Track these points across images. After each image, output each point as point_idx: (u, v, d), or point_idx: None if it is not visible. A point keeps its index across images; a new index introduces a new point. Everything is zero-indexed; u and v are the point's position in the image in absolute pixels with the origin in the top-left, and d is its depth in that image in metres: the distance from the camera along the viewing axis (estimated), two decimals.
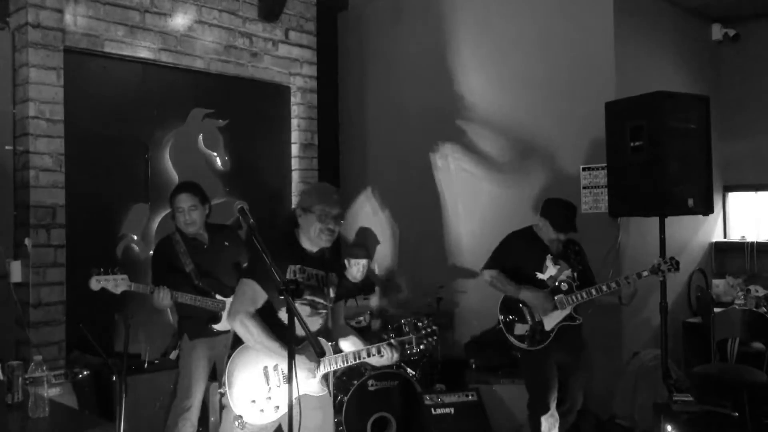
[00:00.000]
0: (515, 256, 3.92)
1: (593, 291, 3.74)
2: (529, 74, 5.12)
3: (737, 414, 3.84)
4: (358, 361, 2.80)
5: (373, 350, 2.79)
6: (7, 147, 4.35)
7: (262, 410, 2.68)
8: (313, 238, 2.79)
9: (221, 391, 2.73)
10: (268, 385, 2.71)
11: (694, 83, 5.40)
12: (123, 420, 3.56)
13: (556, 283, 3.81)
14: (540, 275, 3.85)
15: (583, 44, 4.83)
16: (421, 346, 2.92)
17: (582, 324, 3.87)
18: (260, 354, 2.71)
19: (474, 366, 4.85)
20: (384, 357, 2.81)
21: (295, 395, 2.66)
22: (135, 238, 4.79)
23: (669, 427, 3.74)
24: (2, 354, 3.68)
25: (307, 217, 2.78)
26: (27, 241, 4.22)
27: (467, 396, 4.43)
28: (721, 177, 5.71)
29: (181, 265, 3.77)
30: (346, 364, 2.80)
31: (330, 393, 2.93)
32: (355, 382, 4.15)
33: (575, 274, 3.85)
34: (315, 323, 2.79)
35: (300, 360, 2.67)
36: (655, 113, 3.93)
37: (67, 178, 4.41)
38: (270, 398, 2.69)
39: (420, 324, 3.01)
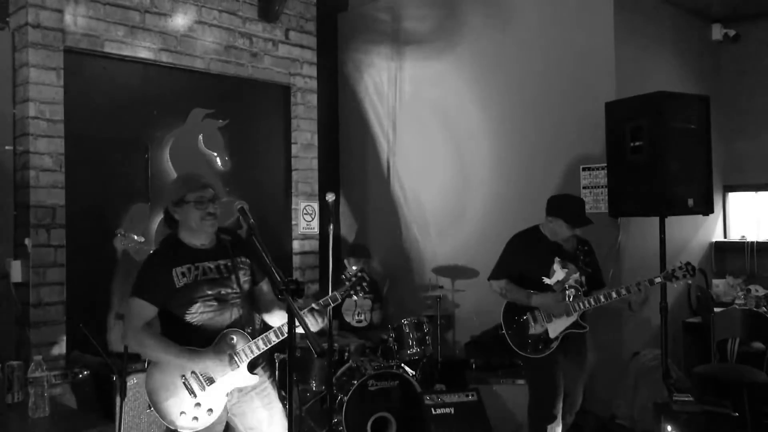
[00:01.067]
0: (521, 259, 3.79)
1: (602, 298, 3.60)
2: (529, 74, 5.12)
3: (737, 414, 3.84)
4: (280, 338, 2.70)
5: (284, 328, 2.69)
6: (7, 147, 4.35)
7: (195, 418, 2.64)
8: (196, 229, 2.72)
9: (149, 411, 2.70)
10: (193, 392, 2.66)
11: (694, 83, 5.40)
12: (123, 420, 3.57)
13: (564, 288, 3.69)
14: (547, 280, 3.72)
15: (583, 44, 4.83)
16: (352, 294, 2.88)
17: (587, 332, 3.77)
18: (170, 365, 2.66)
19: (474, 366, 4.85)
20: (310, 324, 2.68)
21: (226, 391, 2.68)
22: (135, 238, 4.78)
23: (669, 427, 3.74)
24: (2, 354, 3.67)
25: (184, 210, 2.72)
26: (27, 241, 4.22)
27: (467, 396, 4.42)
28: (721, 177, 5.71)
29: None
30: (268, 345, 2.71)
31: (272, 378, 2.87)
32: (355, 382, 4.15)
33: (583, 278, 3.74)
34: (229, 315, 2.72)
35: (208, 362, 2.62)
36: (655, 113, 3.93)
37: (67, 178, 4.41)
38: (199, 404, 2.65)
39: (351, 279, 2.93)
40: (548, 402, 3.69)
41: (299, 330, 2.25)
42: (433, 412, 4.29)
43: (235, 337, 2.70)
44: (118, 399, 3.59)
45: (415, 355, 4.59)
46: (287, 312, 2.26)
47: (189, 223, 2.73)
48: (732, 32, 5.70)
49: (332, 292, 2.87)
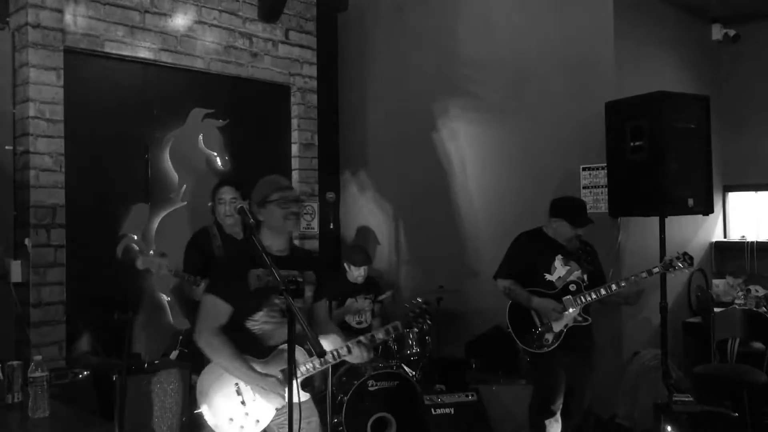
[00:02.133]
0: (525, 257, 3.87)
1: (602, 291, 3.68)
2: (529, 74, 5.12)
3: (737, 414, 3.84)
4: (336, 360, 2.68)
5: (342, 350, 2.66)
6: (7, 147, 4.35)
7: (242, 426, 2.61)
8: (279, 228, 2.69)
9: (198, 411, 2.66)
10: (243, 400, 2.63)
11: (694, 83, 5.40)
12: (123, 420, 3.57)
13: (565, 284, 3.76)
14: (548, 276, 3.79)
15: (583, 44, 4.83)
16: (409, 329, 2.84)
17: (591, 325, 3.82)
18: (238, 376, 2.63)
19: (474, 366, 4.85)
20: (353, 355, 2.68)
21: (276, 405, 2.64)
22: (135, 238, 4.79)
23: (669, 427, 3.74)
24: (2, 354, 3.67)
25: (267, 210, 2.68)
26: (27, 241, 4.22)
27: (467, 396, 4.43)
28: (721, 177, 5.71)
29: (215, 258, 3.78)
30: (324, 365, 2.69)
31: (312, 395, 2.85)
32: (355, 382, 4.15)
33: (585, 276, 3.80)
34: (285, 330, 2.61)
35: (267, 389, 2.59)
36: (655, 113, 3.93)
37: (67, 178, 4.41)
38: (248, 414, 2.62)
39: (415, 311, 2.84)
40: (549, 397, 3.74)
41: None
42: (433, 412, 4.30)
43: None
44: (118, 399, 3.60)
45: (415, 355, 4.59)
46: (287, 312, 2.26)
47: (272, 222, 2.68)
48: (732, 32, 5.70)
49: (387, 324, 2.80)
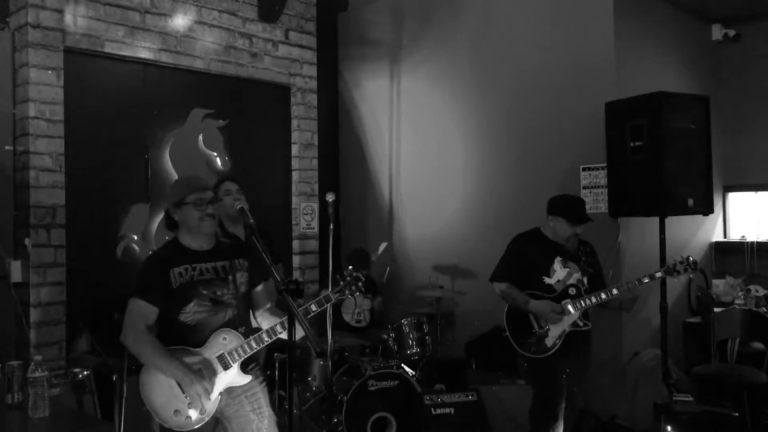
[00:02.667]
0: (522, 259, 3.80)
1: (602, 295, 3.61)
2: (529, 74, 5.12)
3: (737, 414, 3.83)
4: (273, 337, 2.73)
5: (277, 327, 2.73)
6: (7, 147, 4.35)
7: (188, 417, 2.66)
8: (195, 229, 2.76)
9: (144, 410, 2.70)
10: (185, 393, 2.67)
11: (694, 83, 5.40)
12: (123, 420, 3.57)
13: (564, 287, 3.71)
14: (547, 279, 3.72)
15: (583, 44, 4.83)
16: (351, 295, 2.85)
17: (590, 329, 3.77)
18: (168, 371, 2.68)
19: (474, 366, 4.85)
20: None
21: (219, 390, 2.69)
22: (135, 238, 4.79)
23: (669, 427, 3.74)
24: (2, 354, 3.67)
25: (183, 211, 2.75)
26: (27, 241, 4.22)
27: (467, 396, 4.42)
28: (721, 177, 5.71)
29: None
30: (261, 344, 2.74)
31: (263, 383, 2.88)
32: (355, 382, 4.15)
33: (585, 278, 3.73)
34: (223, 315, 2.76)
35: (187, 376, 2.62)
36: (655, 113, 3.93)
37: (67, 178, 4.41)
38: (191, 403, 2.66)
39: (346, 279, 2.88)
40: (551, 403, 3.69)
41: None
42: (433, 412, 4.29)
43: (227, 337, 2.73)
44: (118, 399, 3.60)
45: (415, 355, 4.58)
46: (287, 312, 2.26)
47: (188, 223, 2.77)
48: (732, 32, 5.71)
49: (325, 292, 2.87)
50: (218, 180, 4.14)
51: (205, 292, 2.73)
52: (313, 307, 2.79)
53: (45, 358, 2.94)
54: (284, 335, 2.73)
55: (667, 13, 5.35)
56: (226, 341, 2.73)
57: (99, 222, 4.63)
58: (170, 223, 2.84)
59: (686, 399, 3.82)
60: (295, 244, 5.76)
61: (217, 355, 2.71)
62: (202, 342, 2.72)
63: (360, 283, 2.90)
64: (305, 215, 5.81)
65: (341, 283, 2.88)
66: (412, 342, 4.59)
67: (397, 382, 4.23)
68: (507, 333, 3.82)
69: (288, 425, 2.23)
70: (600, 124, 4.30)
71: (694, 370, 4.61)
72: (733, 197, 5.90)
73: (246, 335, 2.76)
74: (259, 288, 2.95)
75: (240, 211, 2.57)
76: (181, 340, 2.71)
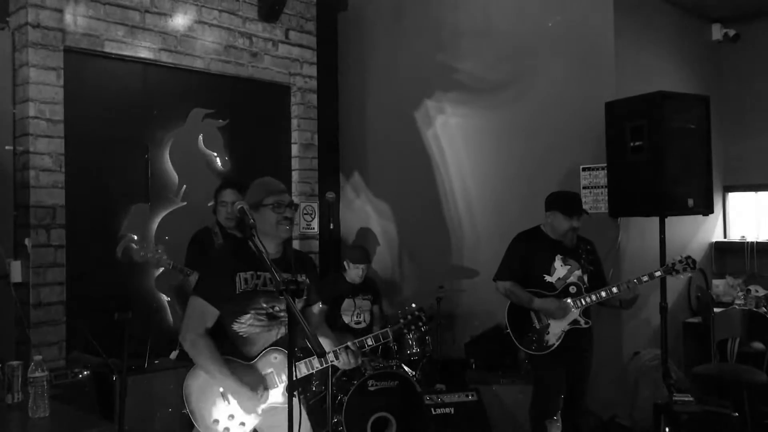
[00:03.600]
0: (524, 258, 3.85)
1: (603, 293, 3.66)
2: (529, 74, 5.12)
3: (737, 414, 3.84)
4: (324, 365, 2.68)
5: (329, 356, 2.65)
6: (7, 147, 4.35)
7: (227, 428, 2.62)
8: (271, 233, 2.66)
9: (184, 412, 2.66)
10: (228, 403, 2.63)
11: (694, 83, 5.40)
12: (123, 420, 3.57)
13: (565, 285, 3.74)
14: (548, 278, 3.77)
15: (583, 44, 4.83)
16: (411, 334, 2.78)
17: (591, 327, 3.80)
18: (218, 380, 2.63)
19: (474, 366, 4.85)
20: (340, 361, 2.67)
21: (261, 407, 2.64)
22: (135, 238, 4.79)
23: (669, 428, 3.74)
24: (2, 354, 3.67)
25: (261, 213, 2.65)
26: (27, 241, 4.22)
27: (467, 396, 4.43)
28: (721, 177, 5.71)
29: None
30: (311, 370, 2.69)
31: (303, 396, 2.85)
32: (355, 382, 4.15)
33: (585, 276, 3.78)
34: (276, 332, 2.68)
35: (242, 397, 2.59)
36: (655, 113, 3.93)
37: (67, 178, 4.41)
38: (233, 416, 2.63)
39: (407, 317, 2.81)
40: (549, 398, 3.74)
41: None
42: (433, 412, 4.30)
43: (278, 357, 2.66)
44: (118, 399, 3.60)
45: (415, 355, 4.59)
46: (287, 312, 2.25)
47: (264, 227, 2.65)
48: (732, 32, 5.71)
49: (384, 328, 2.79)
50: (219, 186, 4.20)
51: (264, 305, 2.65)
52: (370, 342, 2.75)
53: (45, 358, 2.94)
54: (337, 364, 2.69)
55: (667, 13, 5.35)
56: (276, 360, 2.65)
57: (99, 222, 4.63)
58: (244, 228, 2.65)
59: (686, 399, 3.83)
60: (295, 244, 5.75)
61: (265, 372, 2.65)
62: (251, 356, 2.64)
63: (421, 323, 2.80)
64: (305, 215, 5.81)
65: (401, 321, 2.80)
66: (412, 342, 4.59)
67: (397, 382, 4.23)
68: (508, 330, 3.87)
69: (288, 425, 2.23)
70: (600, 124, 4.30)
71: (694, 370, 4.61)
72: (733, 197, 5.90)
73: (299, 357, 2.66)
74: (314, 307, 2.88)
75: (240, 211, 2.56)
76: (230, 351, 2.62)
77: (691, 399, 3.83)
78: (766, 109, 5.65)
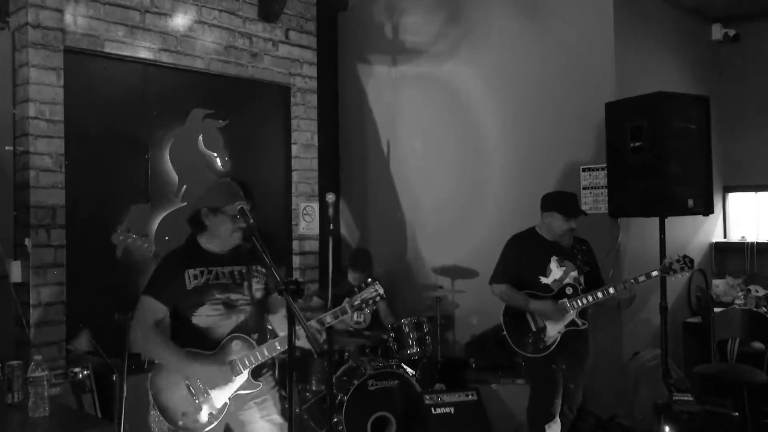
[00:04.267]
0: (519, 260, 3.84)
1: (599, 294, 3.63)
2: (529, 74, 5.12)
3: (737, 414, 3.83)
4: (274, 352, 2.72)
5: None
6: (7, 147, 4.34)
7: (195, 420, 2.67)
8: (225, 238, 2.76)
9: (153, 412, 2.70)
10: (195, 394, 2.69)
11: (694, 83, 5.40)
12: (123, 420, 3.57)
13: (561, 286, 3.74)
14: (544, 279, 3.76)
15: (583, 44, 4.83)
16: (359, 310, 2.77)
17: (587, 329, 3.79)
18: (175, 366, 2.70)
19: (474, 366, 4.85)
20: (302, 339, 2.62)
21: (227, 395, 2.71)
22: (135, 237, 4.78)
23: (669, 427, 3.74)
24: (2, 354, 3.67)
25: (217, 218, 2.73)
26: (27, 241, 4.22)
27: (467, 396, 4.43)
28: (721, 177, 5.71)
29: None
30: (273, 353, 2.72)
31: (275, 388, 2.87)
32: (355, 381, 4.15)
33: (581, 277, 3.76)
34: (235, 320, 2.75)
35: (210, 370, 2.66)
36: (655, 113, 3.93)
37: (67, 178, 4.40)
38: (201, 407, 2.68)
39: (361, 286, 2.79)
40: (547, 401, 3.72)
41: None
42: (433, 412, 4.29)
43: (240, 343, 2.74)
44: (118, 399, 3.60)
45: (415, 355, 4.59)
46: (287, 311, 2.26)
47: (218, 232, 2.76)
48: (732, 32, 5.71)
49: (335, 307, 2.82)
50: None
51: (219, 296, 2.74)
52: (329, 319, 2.76)
53: (45, 358, 2.94)
54: (300, 343, 2.65)
55: (667, 13, 5.35)
56: (238, 347, 2.73)
57: (99, 222, 4.62)
58: (196, 225, 2.80)
59: (686, 399, 3.82)
60: (295, 244, 5.75)
61: (229, 360, 2.71)
62: (213, 346, 2.72)
63: (377, 295, 2.79)
64: (305, 216, 5.81)
65: (356, 290, 2.80)
66: (412, 342, 4.59)
67: (397, 382, 4.24)
68: (504, 333, 3.85)
69: (288, 425, 2.23)
70: (600, 124, 4.30)
71: (694, 370, 4.61)
72: (733, 197, 5.90)
73: (260, 342, 2.76)
74: (276, 294, 2.92)
75: (240, 211, 2.57)
76: (192, 343, 2.71)
77: (691, 399, 3.82)
78: (766, 109, 5.65)
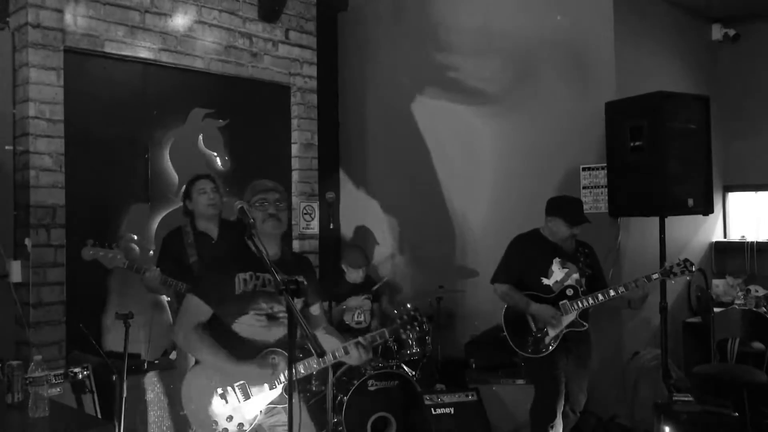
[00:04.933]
0: (522, 261, 3.85)
1: (600, 296, 3.64)
2: (529, 74, 5.12)
3: (737, 414, 3.83)
4: (323, 365, 2.69)
5: (339, 352, 2.68)
6: (7, 147, 4.34)
7: (226, 429, 2.62)
8: (262, 231, 2.65)
9: (183, 413, 2.67)
10: (228, 404, 2.64)
11: (694, 83, 5.40)
12: (123, 420, 3.57)
13: (562, 288, 3.73)
14: (545, 280, 3.77)
15: (583, 44, 4.83)
16: (407, 334, 2.78)
17: (588, 330, 3.79)
18: (215, 373, 2.64)
19: (474, 366, 4.85)
20: (351, 356, 2.70)
21: (260, 408, 2.66)
22: (135, 238, 4.79)
23: (669, 428, 3.74)
24: (2, 354, 3.67)
25: (252, 214, 2.65)
26: (27, 241, 4.22)
27: (467, 396, 4.43)
28: (721, 177, 5.71)
29: (186, 256, 3.78)
30: (309, 371, 2.70)
31: (303, 398, 2.85)
32: (356, 382, 4.15)
33: (583, 279, 3.77)
34: (275, 333, 2.69)
35: (251, 374, 2.61)
36: (655, 113, 3.93)
37: (67, 178, 4.40)
38: (231, 417, 2.63)
39: (403, 317, 2.83)
40: (549, 401, 3.72)
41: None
42: (433, 412, 4.29)
43: (276, 358, 2.66)
44: (118, 399, 3.60)
45: (415, 355, 4.59)
46: (287, 312, 2.26)
47: (257, 227, 2.65)
48: (732, 32, 5.71)
49: (382, 328, 2.82)
50: (193, 177, 3.98)
51: (264, 305, 2.66)
52: (363, 342, 2.74)
53: (45, 358, 2.93)
54: (347, 360, 2.72)
55: (667, 13, 5.35)
56: (275, 362, 2.66)
57: (99, 222, 4.62)
58: (248, 223, 2.64)
59: (686, 399, 3.83)
60: (295, 244, 5.75)
61: (264, 373, 2.65)
62: (249, 357, 2.65)
63: (416, 323, 2.82)
64: (305, 215, 5.81)
65: (398, 321, 2.81)
66: (412, 342, 4.58)
67: (397, 382, 4.24)
68: (504, 333, 3.86)
69: (288, 425, 2.23)
70: (600, 124, 4.30)
71: (694, 370, 4.61)
72: (733, 197, 5.90)
73: (297, 358, 2.66)
74: (314, 307, 2.90)
75: (240, 211, 2.56)
76: (229, 351, 2.63)
77: (691, 399, 3.83)
78: (766, 109, 5.65)
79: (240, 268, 2.66)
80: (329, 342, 2.78)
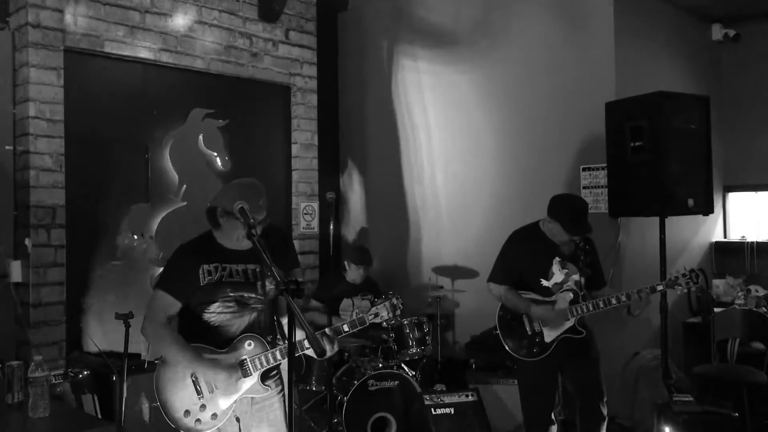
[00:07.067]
0: (519, 260, 3.66)
1: (600, 303, 3.48)
2: (530, 74, 5.12)
3: (737, 414, 3.83)
4: (299, 352, 2.64)
5: (305, 342, 2.57)
6: (7, 147, 4.35)
7: (198, 420, 2.61)
8: (234, 242, 2.68)
9: (155, 405, 2.66)
10: (200, 392, 2.63)
11: (694, 83, 5.40)
12: (123, 420, 3.57)
13: (561, 290, 3.58)
14: (544, 282, 3.59)
15: (583, 44, 4.83)
16: (376, 318, 2.73)
17: (586, 337, 3.63)
18: (186, 367, 2.63)
19: (474, 366, 4.85)
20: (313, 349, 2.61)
21: (234, 398, 2.64)
22: (135, 238, 4.79)
23: (669, 428, 3.74)
24: (2, 354, 3.67)
25: (230, 222, 2.64)
26: (27, 241, 4.22)
27: (467, 396, 4.42)
28: (721, 177, 5.71)
29: None
30: (285, 358, 2.65)
31: (281, 393, 2.80)
32: (355, 382, 4.15)
33: (583, 280, 3.59)
34: (247, 319, 2.69)
35: (218, 375, 2.59)
36: (655, 113, 3.92)
37: (67, 178, 4.41)
38: (204, 406, 2.62)
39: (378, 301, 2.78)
40: (539, 406, 3.62)
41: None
42: (433, 412, 4.29)
43: (252, 343, 2.66)
44: (117, 399, 3.60)
45: (415, 355, 4.58)
46: (287, 311, 2.25)
47: (231, 234, 2.68)
48: (732, 32, 5.71)
49: (353, 316, 2.79)
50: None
51: (231, 293, 2.66)
52: (345, 328, 2.73)
53: (45, 358, 2.94)
54: (310, 352, 2.62)
55: (667, 13, 5.35)
56: (250, 347, 2.66)
57: (99, 222, 4.62)
58: (213, 222, 2.71)
59: (686, 399, 3.81)
60: (295, 244, 5.75)
61: (239, 360, 2.64)
62: (225, 344, 2.65)
63: (397, 312, 2.78)
64: (305, 215, 5.81)
65: (377, 307, 2.78)
66: (412, 342, 4.58)
67: (397, 382, 4.24)
68: (497, 332, 3.73)
69: (288, 425, 2.23)
70: (600, 124, 4.30)
71: (694, 370, 4.61)
72: (733, 197, 5.90)
73: (272, 345, 2.69)
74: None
75: (240, 211, 2.56)
76: (203, 339, 2.64)
77: (691, 399, 3.81)
78: (766, 109, 5.65)
79: (203, 260, 2.67)
80: (301, 331, 2.62)
